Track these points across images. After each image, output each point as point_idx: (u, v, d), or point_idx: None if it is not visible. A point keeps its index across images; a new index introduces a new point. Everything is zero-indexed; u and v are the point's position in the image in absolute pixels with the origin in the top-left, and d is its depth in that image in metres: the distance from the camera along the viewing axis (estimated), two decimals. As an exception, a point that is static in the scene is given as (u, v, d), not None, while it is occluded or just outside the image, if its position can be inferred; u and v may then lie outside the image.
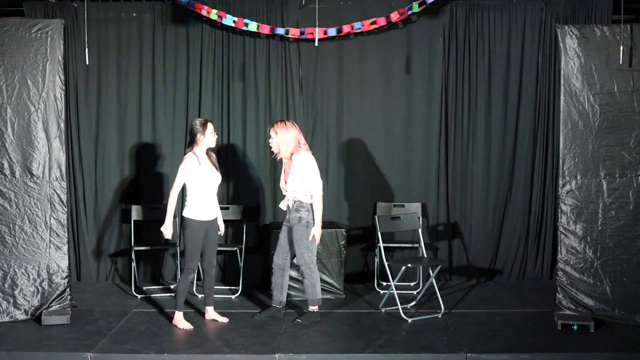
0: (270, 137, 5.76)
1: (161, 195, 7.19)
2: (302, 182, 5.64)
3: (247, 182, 7.24)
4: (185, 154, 5.64)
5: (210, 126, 5.60)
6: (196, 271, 5.65)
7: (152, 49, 7.18)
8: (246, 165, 7.24)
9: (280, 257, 5.86)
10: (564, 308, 5.70)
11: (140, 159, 7.24)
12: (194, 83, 7.19)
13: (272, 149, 5.80)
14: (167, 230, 5.56)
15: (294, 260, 5.83)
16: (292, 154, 5.70)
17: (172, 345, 5.20)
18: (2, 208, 5.77)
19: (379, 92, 7.24)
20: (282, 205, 5.86)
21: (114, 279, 7.28)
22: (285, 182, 5.75)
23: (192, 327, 5.58)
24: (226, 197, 7.20)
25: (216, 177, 5.66)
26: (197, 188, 5.54)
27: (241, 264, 6.82)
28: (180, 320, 5.62)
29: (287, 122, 5.76)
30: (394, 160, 7.26)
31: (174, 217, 5.63)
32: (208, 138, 5.59)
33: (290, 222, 5.76)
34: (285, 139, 5.67)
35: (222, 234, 5.84)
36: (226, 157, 7.22)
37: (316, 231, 5.69)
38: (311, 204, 5.68)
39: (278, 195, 6.90)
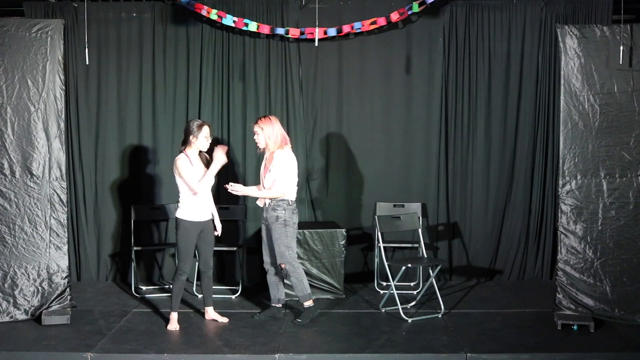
0: (255, 133, 5.73)
1: (161, 195, 7.20)
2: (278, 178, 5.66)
3: (247, 182, 7.23)
4: (179, 153, 5.60)
5: (205, 130, 5.55)
6: (188, 273, 5.63)
7: (152, 49, 7.18)
8: (246, 165, 7.24)
9: (268, 255, 5.86)
10: (564, 308, 5.70)
11: (140, 159, 7.24)
12: (194, 83, 7.19)
13: (257, 145, 5.78)
14: (241, 188, 5.59)
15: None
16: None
17: (172, 345, 5.20)
18: (2, 208, 5.77)
19: (379, 92, 7.24)
20: (260, 202, 5.85)
21: (114, 279, 7.28)
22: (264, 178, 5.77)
23: (177, 329, 5.56)
24: (226, 197, 7.19)
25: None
26: (190, 189, 5.52)
27: (241, 264, 6.82)
28: (172, 321, 5.62)
29: (270, 117, 5.78)
30: (394, 160, 7.26)
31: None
32: (200, 141, 5.55)
33: (267, 220, 5.75)
34: (272, 134, 5.68)
35: (219, 234, 5.82)
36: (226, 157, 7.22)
37: (244, 189, 5.68)
38: (288, 201, 5.68)
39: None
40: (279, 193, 5.66)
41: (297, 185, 5.81)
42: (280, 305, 5.96)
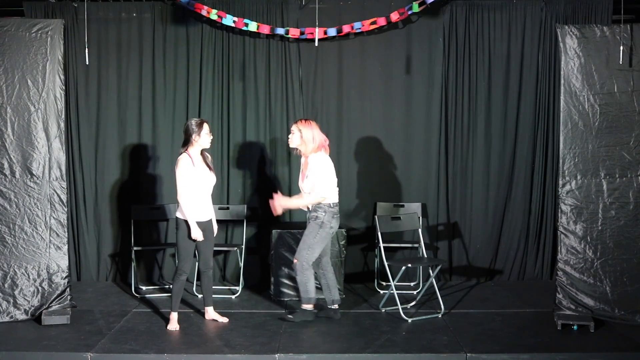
0: (292, 132, 5.77)
1: (161, 195, 7.20)
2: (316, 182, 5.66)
3: (247, 182, 7.24)
4: (179, 154, 5.62)
5: (206, 127, 5.57)
6: (188, 272, 5.63)
7: (152, 49, 7.18)
8: (245, 166, 7.24)
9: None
10: (564, 308, 5.70)
11: (140, 159, 7.24)
12: (194, 83, 7.19)
13: (290, 145, 5.82)
14: (198, 234, 5.50)
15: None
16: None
17: (172, 345, 5.20)
18: (2, 208, 5.77)
19: (379, 92, 7.24)
20: (304, 207, 5.88)
21: (114, 279, 7.28)
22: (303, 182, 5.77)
23: (177, 329, 5.56)
24: (226, 197, 7.20)
25: (210, 178, 5.62)
26: (191, 189, 5.51)
27: (241, 264, 6.82)
28: (172, 321, 5.62)
29: (310, 121, 5.82)
30: (394, 160, 7.26)
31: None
32: (203, 139, 5.56)
33: (308, 220, 5.78)
34: (309, 138, 5.69)
35: (214, 235, 5.81)
36: (226, 157, 7.23)
37: (287, 203, 5.68)
38: (329, 204, 5.68)
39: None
40: (319, 197, 5.65)
41: (337, 187, 5.81)
42: (337, 306, 5.90)
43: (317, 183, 5.64)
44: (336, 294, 5.94)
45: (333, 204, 5.73)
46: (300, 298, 5.81)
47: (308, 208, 5.79)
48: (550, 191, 7.18)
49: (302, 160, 5.83)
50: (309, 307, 5.78)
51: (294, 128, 5.78)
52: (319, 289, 5.98)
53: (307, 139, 5.70)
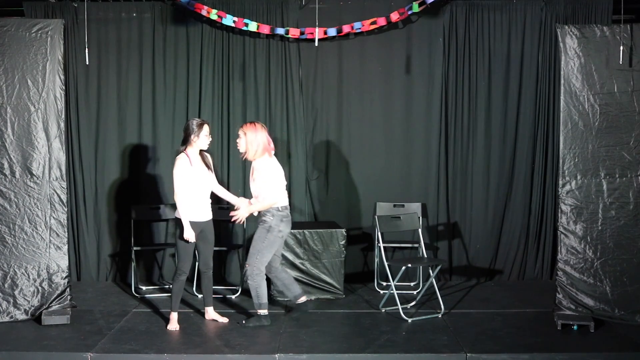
0: (238, 136, 5.66)
1: (161, 195, 7.20)
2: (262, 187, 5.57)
3: (247, 182, 7.23)
4: (178, 153, 5.60)
5: (205, 128, 5.56)
6: (188, 273, 5.63)
7: (152, 49, 7.18)
8: (246, 165, 7.23)
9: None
10: (564, 308, 5.70)
11: (140, 159, 7.24)
12: (194, 83, 7.19)
13: (239, 149, 5.70)
14: (190, 235, 5.49)
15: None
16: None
17: (172, 345, 5.20)
18: (2, 208, 5.77)
19: (379, 92, 7.24)
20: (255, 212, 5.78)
21: (114, 279, 7.28)
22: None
23: (177, 329, 5.56)
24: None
25: (209, 178, 5.62)
26: (189, 189, 5.50)
27: (241, 264, 6.82)
28: (172, 321, 5.62)
29: (256, 123, 5.66)
30: (394, 160, 7.26)
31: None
32: (202, 140, 5.55)
33: (258, 225, 5.70)
34: (254, 141, 5.57)
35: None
36: (227, 156, 7.23)
37: (243, 211, 5.61)
38: (276, 208, 5.59)
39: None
40: (270, 202, 5.56)
41: (286, 190, 5.73)
42: (304, 299, 5.82)
43: (264, 189, 5.55)
44: (296, 288, 5.83)
45: (282, 207, 5.62)
46: (254, 304, 5.72)
47: (259, 213, 5.67)
48: (550, 191, 7.18)
49: (252, 165, 5.71)
50: (263, 312, 5.68)
51: (240, 132, 5.64)
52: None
53: (250, 142, 5.57)
